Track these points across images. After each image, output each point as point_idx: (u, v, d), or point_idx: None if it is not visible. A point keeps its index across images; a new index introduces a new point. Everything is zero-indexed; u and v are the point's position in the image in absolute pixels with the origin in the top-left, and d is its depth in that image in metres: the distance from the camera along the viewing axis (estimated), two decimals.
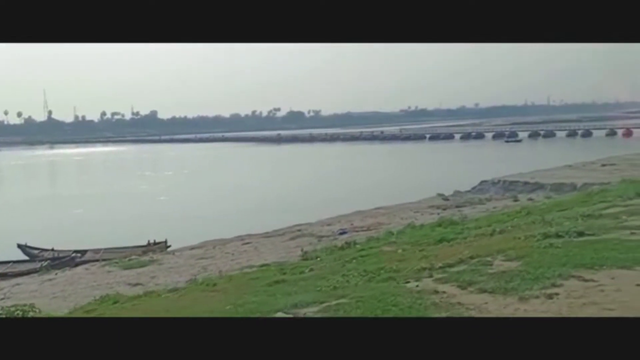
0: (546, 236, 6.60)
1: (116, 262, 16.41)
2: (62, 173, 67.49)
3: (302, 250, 13.97)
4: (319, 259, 11.88)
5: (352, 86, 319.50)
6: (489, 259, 5.98)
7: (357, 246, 13.01)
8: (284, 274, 8.09)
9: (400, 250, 8.57)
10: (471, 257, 6.15)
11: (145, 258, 17.08)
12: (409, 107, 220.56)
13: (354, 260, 8.17)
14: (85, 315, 7.82)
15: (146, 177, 52.79)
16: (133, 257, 17.61)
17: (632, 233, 6.32)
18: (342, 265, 7.70)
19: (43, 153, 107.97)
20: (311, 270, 8.12)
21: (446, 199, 28.80)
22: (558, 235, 6.58)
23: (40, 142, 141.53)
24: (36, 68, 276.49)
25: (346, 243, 14.03)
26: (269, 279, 7.59)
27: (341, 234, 18.42)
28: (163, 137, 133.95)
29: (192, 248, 18.99)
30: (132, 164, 73.46)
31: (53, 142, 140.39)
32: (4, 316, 7.14)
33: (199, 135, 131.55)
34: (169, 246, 20.99)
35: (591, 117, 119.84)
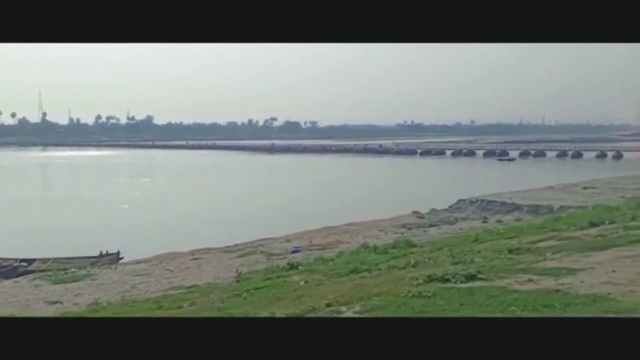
0: (431, 279, 5.59)
1: (49, 276, 15.49)
2: (38, 176, 66.39)
3: (236, 271, 13.12)
4: (248, 281, 11.17)
5: (350, 98, 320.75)
6: (344, 308, 5.01)
7: (299, 268, 12.30)
8: (160, 307, 7.21)
9: (302, 283, 7.72)
10: (329, 304, 5.16)
11: (82, 272, 16.14)
12: (405, 122, 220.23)
13: (244, 294, 7.26)
14: None
15: (120, 183, 51.79)
16: (72, 269, 16.70)
17: (528, 280, 5.37)
18: (222, 302, 6.82)
19: (31, 155, 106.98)
20: (192, 304, 7.24)
21: (421, 216, 28.16)
22: (444, 279, 5.60)
23: (33, 144, 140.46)
24: (32, 68, 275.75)
25: (288, 264, 13.29)
26: (140, 314, 6.68)
27: (293, 252, 17.56)
28: (156, 143, 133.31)
29: (138, 262, 18.11)
30: (115, 168, 72.41)
31: (46, 144, 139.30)
32: None
33: (190, 143, 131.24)
34: (121, 258, 20.15)
35: (583, 139, 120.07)
